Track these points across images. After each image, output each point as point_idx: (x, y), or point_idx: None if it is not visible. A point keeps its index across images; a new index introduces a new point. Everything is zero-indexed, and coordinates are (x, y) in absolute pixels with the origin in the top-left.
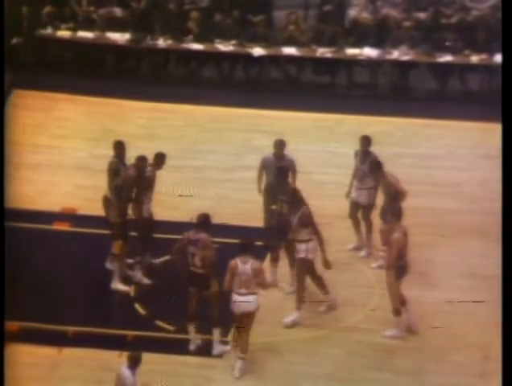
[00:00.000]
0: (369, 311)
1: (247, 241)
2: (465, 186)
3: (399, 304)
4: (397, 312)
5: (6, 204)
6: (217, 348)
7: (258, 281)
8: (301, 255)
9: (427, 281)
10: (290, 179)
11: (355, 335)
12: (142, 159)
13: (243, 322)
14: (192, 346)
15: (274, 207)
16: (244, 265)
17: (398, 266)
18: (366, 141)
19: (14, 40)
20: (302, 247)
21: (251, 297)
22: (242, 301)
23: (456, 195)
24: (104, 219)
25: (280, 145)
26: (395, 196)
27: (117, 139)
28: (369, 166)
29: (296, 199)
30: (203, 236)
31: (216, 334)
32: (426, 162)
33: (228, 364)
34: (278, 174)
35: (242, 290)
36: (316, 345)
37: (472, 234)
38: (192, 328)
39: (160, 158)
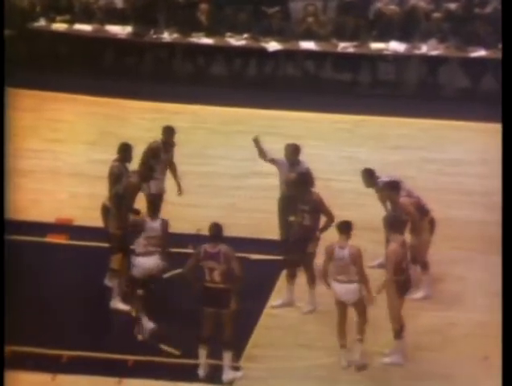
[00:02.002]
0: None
1: (347, 222)
2: (500, 196)
3: (400, 326)
4: (398, 334)
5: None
6: (228, 374)
7: (357, 270)
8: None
9: (459, 301)
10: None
11: (381, 360)
12: (147, 166)
13: (345, 313)
14: (201, 372)
15: (292, 218)
16: (341, 250)
17: (399, 281)
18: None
19: (6, 32)
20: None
21: (351, 286)
22: (342, 289)
23: (488, 205)
24: (103, 230)
25: (293, 150)
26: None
27: (123, 141)
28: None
29: (320, 210)
30: (223, 247)
31: (228, 358)
32: (455, 168)
33: None
34: (298, 180)
35: (341, 277)
36: (338, 371)
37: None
38: (203, 352)
39: (169, 133)
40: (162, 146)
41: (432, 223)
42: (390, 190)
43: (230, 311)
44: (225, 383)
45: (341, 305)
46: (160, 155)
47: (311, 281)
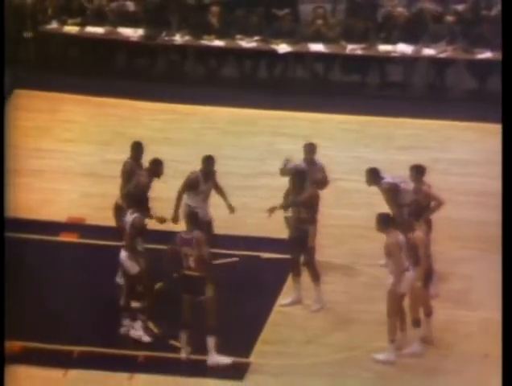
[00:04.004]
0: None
1: (387, 214)
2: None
3: (424, 313)
4: (417, 323)
5: (7, 213)
6: (213, 358)
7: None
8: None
9: (467, 300)
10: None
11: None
12: (156, 163)
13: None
14: (183, 355)
15: (288, 214)
16: (402, 238)
17: (424, 270)
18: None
19: (25, 34)
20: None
21: (411, 273)
22: (407, 277)
23: (496, 205)
24: (114, 229)
25: (311, 149)
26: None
27: (135, 140)
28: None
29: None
30: (196, 233)
31: (211, 343)
32: (463, 168)
33: None
34: (292, 176)
35: (409, 265)
36: (345, 368)
37: None
38: (184, 336)
39: (209, 162)
40: (201, 177)
41: (429, 224)
42: (415, 171)
43: (207, 298)
44: (209, 367)
45: (401, 298)
46: (199, 186)
47: (315, 277)
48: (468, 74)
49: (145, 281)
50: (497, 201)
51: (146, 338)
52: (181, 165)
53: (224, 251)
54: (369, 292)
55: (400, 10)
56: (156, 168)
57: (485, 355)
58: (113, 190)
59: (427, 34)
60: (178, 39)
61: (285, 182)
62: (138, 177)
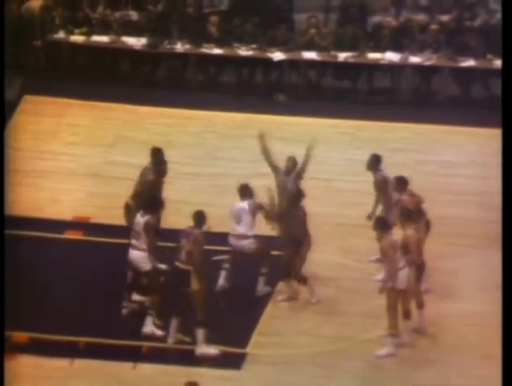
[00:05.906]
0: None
1: (383, 217)
2: (490, 195)
3: (416, 306)
4: (407, 315)
5: (14, 212)
6: (200, 349)
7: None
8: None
9: (452, 293)
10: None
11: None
12: (159, 162)
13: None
14: (170, 340)
15: (273, 229)
16: (396, 238)
17: (416, 264)
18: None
19: (34, 43)
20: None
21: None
22: (404, 275)
23: (481, 204)
24: (117, 227)
25: (293, 162)
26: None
27: (154, 146)
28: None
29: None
30: (196, 231)
31: (200, 335)
32: (449, 169)
33: (247, 375)
34: (295, 196)
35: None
36: (338, 358)
37: (499, 244)
38: (175, 322)
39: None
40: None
41: (428, 224)
42: (397, 184)
43: (194, 291)
44: (197, 356)
45: (399, 294)
46: None
47: (303, 283)
48: (452, 81)
49: (153, 278)
50: (480, 199)
51: (159, 332)
52: (182, 167)
53: (222, 247)
54: (358, 286)
55: (388, 20)
56: (160, 167)
57: (485, 356)
58: (116, 190)
59: (414, 43)
60: (179, 47)
61: None
62: (145, 176)
